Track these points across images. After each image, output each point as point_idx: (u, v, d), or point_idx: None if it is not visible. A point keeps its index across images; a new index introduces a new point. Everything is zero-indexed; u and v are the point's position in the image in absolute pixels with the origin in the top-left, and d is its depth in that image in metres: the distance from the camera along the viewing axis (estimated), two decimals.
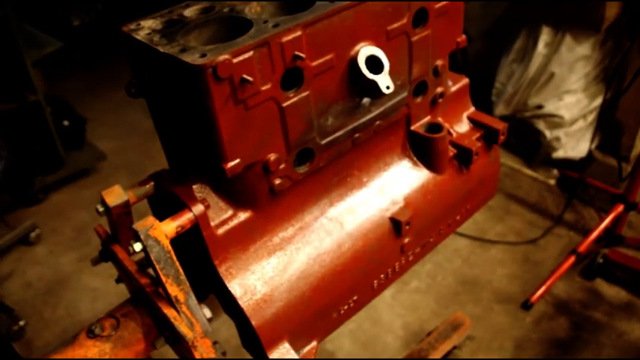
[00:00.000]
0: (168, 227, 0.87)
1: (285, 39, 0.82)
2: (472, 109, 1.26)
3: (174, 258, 0.87)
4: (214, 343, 1.04)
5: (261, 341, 0.95)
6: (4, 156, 2.50)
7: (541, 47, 2.93)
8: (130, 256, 0.95)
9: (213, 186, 0.94)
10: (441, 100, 1.16)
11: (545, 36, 2.90)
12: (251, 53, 0.79)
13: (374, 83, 0.93)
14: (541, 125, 3.06)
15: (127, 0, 5.06)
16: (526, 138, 3.19)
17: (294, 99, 0.88)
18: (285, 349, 0.97)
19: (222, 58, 0.76)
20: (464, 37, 1.14)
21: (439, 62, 1.11)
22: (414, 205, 1.12)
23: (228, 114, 0.81)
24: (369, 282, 1.10)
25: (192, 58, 0.76)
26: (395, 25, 0.97)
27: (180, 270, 0.88)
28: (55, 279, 2.94)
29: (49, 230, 3.25)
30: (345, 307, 1.07)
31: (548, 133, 3.04)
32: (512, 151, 3.30)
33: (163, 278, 0.86)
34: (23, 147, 3.27)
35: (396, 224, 1.09)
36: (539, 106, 3.03)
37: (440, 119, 1.19)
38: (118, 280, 1.13)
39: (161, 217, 0.89)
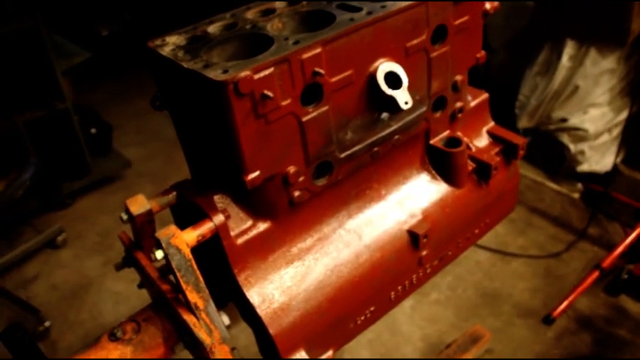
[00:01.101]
0: (190, 236, 0.89)
1: (305, 56, 0.84)
2: (491, 123, 1.27)
3: (195, 266, 0.89)
4: (232, 349, 1.06)
5: (278, 349, 0.96)
6: (34, 163, 2.58)
7: (565, 60, 2.91)
8: (152, 263, 0.98)
9: (234, 197, 0.96)
10: (460, 114, 1.17)
11: (569, 49, 2.88)
12: (272, 69, 0.81)
13: (392, 99, 0.94)
14: (565, 138, 3.03)
15: (154, 11, 5.17)
16: (550, 151, 3.16)
17: (314, 114, 0.90)
18: (301, 358, 0.99)
19: (243, 74, 0.78)
20: (483, 52, 1.15)
21: (458, 77, 1.12)
22: (432, 219, 1.13)
23: (249, 128, 0.83)
24: (386, 293, 1.11)
25: (215, 74, 0.79)
26: (414, 42, 0.99)
27: (200, 278, 0.91)
28: (80, 282, 3.01)
29: (74, 235, 3.33)
30: (362, 318, 1.09)
31: (572, 147, 3.01)
32: (535, 164, 3.28)
33: (184, 285, 0.89)
34: (52, 154, 3.36)
35: (413, 237, 1.10)
36: (564, 119, 3.00)
37: (459, 134, 1.20)
38: (140, 286, 1.16)
39: (183, 226, 0.92)
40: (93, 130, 3.64)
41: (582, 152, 3.00)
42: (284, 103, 0.85)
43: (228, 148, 0.86)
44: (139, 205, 0.98)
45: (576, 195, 3.10)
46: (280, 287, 0.98)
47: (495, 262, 2.74)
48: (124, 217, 1.00)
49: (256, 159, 0.87)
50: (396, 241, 1.09)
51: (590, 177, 3.05)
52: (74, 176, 3.53)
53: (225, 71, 0.79)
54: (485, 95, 1.25)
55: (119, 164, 3.75)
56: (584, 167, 3.03)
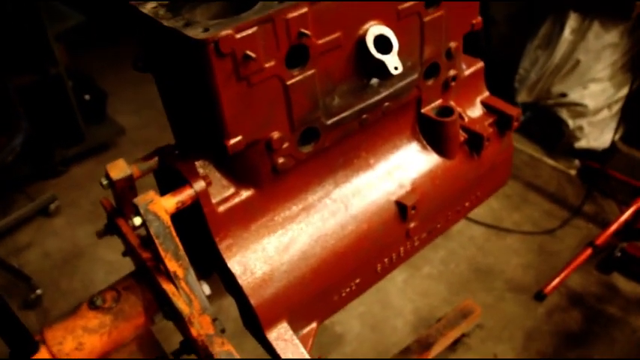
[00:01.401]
0: (169, 202, 0.87)
1: (291, 15, 0.80)
2: (486, 93, 1.23)
3: (174, 233, 0.87)
4: (214, 320, 1.04)
5: (259, 320, 0.95)
6: (24, 128, 2.53)
7: (567, 34, 2.85)
8: (133, 231, 0.96)
9: (216, 163, 0.93)
10: (453, 83, 1.13)
11: (572, 22, 2.82)
12: (255, 29, 0.77)
13: (382, 63, 0.90)
14: (564, 114, 2.99)
15: None
16: (548, 126, 3.12)
17: (299, 77, 0.86)
18: (283, 329, 0.97)
19: (224, 33, 0.74)
20: (479, 19, 1.10)
21: (452, 44, 1.08)
22: (422, 190, 1.11)
23: (230, 90, 0.80)
24: (372, 265, 1.09)
25: (195, 33, 0.75)
26: (406, 5, 0.94)
27: (180, 246, 0.88)
28: (72, 251, 3.00)
29: (67, 203, 3.30)
30: (347, 290, 1.07)
31: (571, 122, 2.97)
32: (533, 139, 3.24)
33: (162, 253, 0.86)
34: (44, 120, 3.31)
35: (401, 208, 1.07)
36: (563, 94, 2.96)
37: (452, 103, 1.17)
38: (124, 254, 1.14)
39: (166, 193, 0.89)
40: (87, 97, 3.58)
41: (581, 128, 2.96)
42: (268, 64, 0.82)
43: (209, 111, 0.83)
44: (119, 170, 0.96)
45: (573, 171, 3.07)
46: (263, 257, 0.95)
47: (489, 237, 2.73)
48: (104, 182, 0.97)
49: (238, 123, 0.84)
50: (384, 211, 1.07)
51: (588, 153, 3.02)
52: (67, 143, 3.48)
53: (206, 30, 0.76)
54: (480, 64, 1.21)
55: (113, 132, 3.70)
56: (582, 143, 2.99)
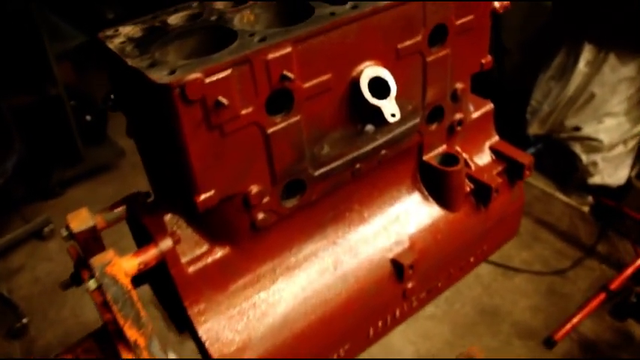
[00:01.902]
0: (130, 264, 0.76)
1: (272, 56, 0.70)
2: (495, 138, 1.13)
3: (135, 298, 0.76)
4: None
5: None
6: (18, 149, 2.45)
7: (582, 65, 2.74)
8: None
9: (188, 217, 0.83)
10: (459, 127, 1.03)
11: (587, 54, 2.72)
12: (229, 72, 0.67)
13: (378, 110, 0.80)
14: (577, 148, 2.87)
15: None
16: (561, 160, 3.00)
17: (282, 125, 0.76)
18: None
19: (192, 77, 0.65)
20: (489, 58, 1.00)
21: (459, 85, 0.98)
22: (421, 246, 0.99)
23: (199, 141, 0.70)
24: (363, 330, 0.97)
25: (159, 76, 0.65)
26: (407, 43, 0.84)
27: (142, 312, 0.77)
28: (64, 276, 2.89)
29: (62, 226, 3.21)
30: (334, 357, 0.95)
31: (584, 157, 2.85)
32: (544, 174, 3.12)
33: (121, 320, 0.76)
34: (42, 140, 3.24)
35: (398, 267, 0.96)
36: (577, 128, 2.84)
37: (457, 149, 1.06)
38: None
39: (142, 242, 0.79)
40: (88, 117, 3.52)
41: (595, 164, 2.83)
42: (244, 111, 0.71)
43: (177, 162, 0.73)
44: (80, 220, 0.86)
45: (586, 208, 2.94)
46: (238, 323, 0.84)
47: (497, 277, 2.60)
48: (64, 233, 0.87)
49: (210, 177, 0.74)
50: (378, 271, 0.95)
51: (602, 190, 2.89)
52: (65, 164, 3.41)
53: (172, 72, 0.66)
54: (489, 106, 1.10)
55: (113, 153, 3.62)
56: (596, 179, 2.87)
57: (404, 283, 0.98)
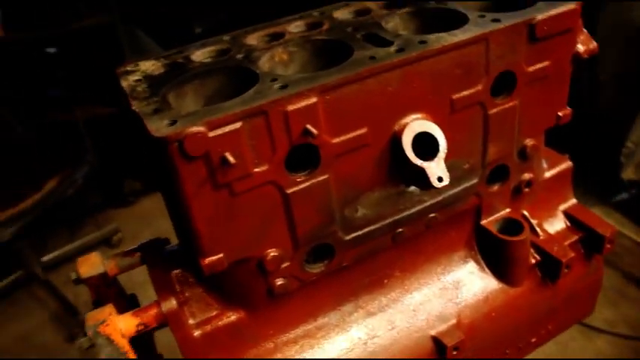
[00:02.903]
0: (127, 324, 0.68)
1: (292, 107, 0.60)
2: (572, 201, 0.96)
3: None
4: None
5: None
6: (89, 161, 2.51)
7: None
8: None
9: (200, 276, 0.74)
10: (527, 189, 0.88)
11: None
12: (238, 125, 0.58)
13: (422, 172, 0.68)
14: None
15: (253, 11, 5.10)
16: None
17: (305, 184, 0.66)
18: None
19: (192, 130, 0.56)
20: (568, 110, 0.84)
21: (529, 142, 0.83)
22: (471, 324, 0.85)
23: (204, 200, 0.61)
24: None
25: (158, 126, 0.57)
26: (464, 94, 0.71)
27: None
28: (126, 287, 2.93)
29: (131, 234, 3.27)
30: None
31: None
32: (637, 223, 2.80)
33: None
34: (116, 151, 3.33)
35: (440, 347, 0.82)
36: None
37: (525, 213, 0.91)
38: None
39: None
40: None
41: None
42: (258, 169, 0.62)
43: (184, 219, 0.64)
44: (90, 266, 0.80)
45: None
46: None
47: (575, 336, 2.33)
48: (73, 276, 0.81)
49: (218, 239, 0.64)
50: (417, 349, 0.82)
51: None
52: (137, 175, 3.49)
53: (173, 122, 0.57)
54: (567, 163, 0.94)
55: None
56: None
57: None
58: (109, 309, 0.68)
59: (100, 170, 2.86)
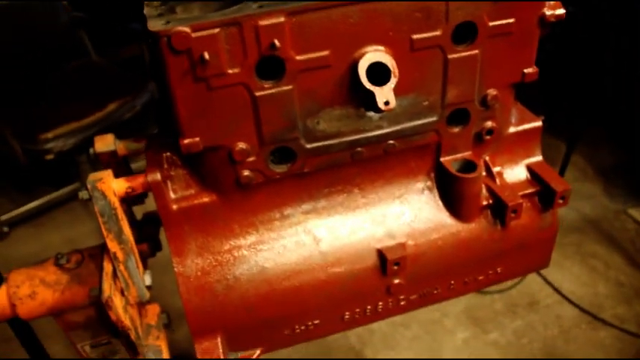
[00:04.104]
0: (119, 185, 0.86)
1: (262, 23, 0.74)
2: (537, 158, 1.05)
3: (121, 215, 0.86)
4: (162, 312, 1.03)
5: (190, 326, 0.91)
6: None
7: None
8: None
9: (184, 160, 0.90)
10: (489, 136, 0.98)
11: None
12: (216, 31, 0.73)
13: (371, 95, 0.80)
14: None
15: None
16: None
17: (271, 90, 0.80)
18: (213, 344, 0.92)
19: (179, 29, 0.71)
20: (534, 69, 0.93)
21: (491, 92, 0.93)
22: (416, 247, 0.97)
23: (186, 89, 0.76)
24: (337, 311, 0.99)
25: (154, 24, 0.73)
26: (423, 36, 0.83)
27: (125, 229, 0.87)
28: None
29: None
30: (302, 328, 0.98)
31: None
32: None
33: (105, 232, 0.86)
34: None
35: (382, 260, 0.95)
36: None
37: (486, 159, 1.01)
38: None
39: None
40: None
41: None
42: (231, 71, 0.76)
43: (171, 106, 0.81)
44: (104, 143, 0.98)
45: None
46: (210, 266, 0.91)
47: (580, 324, 2.36)
48: (91, 151, 1.00)
49: (195, 124, 0.80)
50: (361, 258, 0.96)
51: None
52: None
53: (167, 23, 0.73)
54: (537, 123, 1.03)
55: None
56: None
57: (388, 277, 0.97)
58: (107, 172, 0.86)
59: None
